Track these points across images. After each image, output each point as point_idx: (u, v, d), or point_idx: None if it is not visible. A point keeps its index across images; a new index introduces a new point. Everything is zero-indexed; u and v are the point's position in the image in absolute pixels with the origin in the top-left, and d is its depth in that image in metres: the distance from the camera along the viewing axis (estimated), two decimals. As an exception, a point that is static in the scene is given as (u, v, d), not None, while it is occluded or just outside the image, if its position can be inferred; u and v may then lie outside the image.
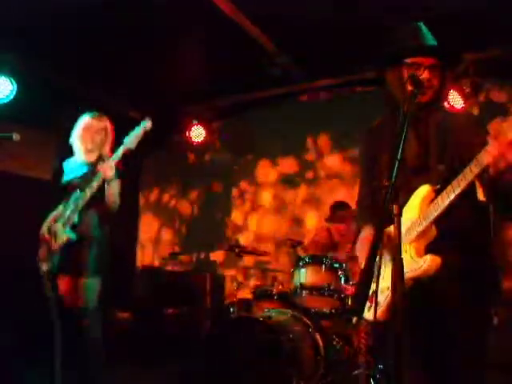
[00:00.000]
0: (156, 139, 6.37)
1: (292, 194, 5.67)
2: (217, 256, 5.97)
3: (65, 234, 3.09)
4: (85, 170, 3.26)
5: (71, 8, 3.76)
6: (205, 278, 5.54)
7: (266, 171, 5.89)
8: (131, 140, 3.04)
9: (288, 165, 5.74)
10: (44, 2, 3.70)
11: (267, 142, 5.83)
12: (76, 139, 3.32)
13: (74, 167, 3.35)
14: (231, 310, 4.15)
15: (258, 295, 4.14)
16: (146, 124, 3.10)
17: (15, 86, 4.46)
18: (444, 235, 1.80)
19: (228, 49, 4.53)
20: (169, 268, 5.77)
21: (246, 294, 4.50)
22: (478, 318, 1.83)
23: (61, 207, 3.26)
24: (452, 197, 1.70)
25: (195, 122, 5.72)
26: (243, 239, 5.69)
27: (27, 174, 5.62)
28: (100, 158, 3.23)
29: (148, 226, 6.77)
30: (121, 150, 3.04)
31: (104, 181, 3.01)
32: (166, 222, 6.62)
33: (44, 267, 3.18)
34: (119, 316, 5.43)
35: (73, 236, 3.07)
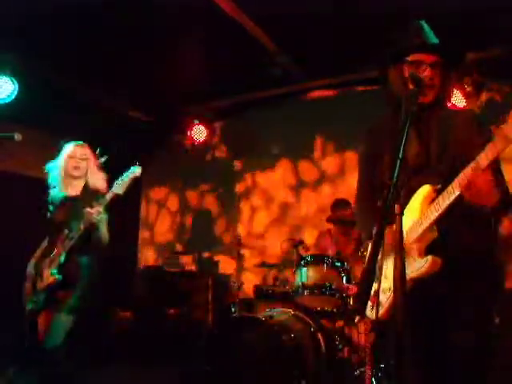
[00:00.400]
0: (157, 139, 6.40)
1: (293, 193, 5.67)
2: (218, 256, 5.97)
3: (51, 276, 3.08)
4: (69, 204, 3.23)
5: (71, 8, 3.76)
6: (206, 278, 5.54)
7: (267, 171, 5.89)
8: (120, 185, 2.99)
9: (288, 165, 5.73)
10: (44, 1, 3.70)
11: (268, 141, 5.83)
12: (60, 169, 3.30)
13: (58, 202, 3.32)
14: (233, 309, 4.15)
15: (260, 295, 4.15)
16: (136, 171, 3.03)
17: (16, 86, 4.46)
18: (445, 235, 1.80)
19: (228, 49, 4.53)
20: (170, 268, 5.77)
21: (247, 293, 4.51)
22: (479, 318, 1.83)
23: (46, 242, 3.28)
24: (453, 197, 1.70)
25: (196, 121, 5.72)
26: (245, 239, 5.68)
27: (27, 174, 5.61)
28: (85, 190, 3.22)
29: (149, 226, 6.77)
30: (109, 196, 3.00)
31: (90, 225, 3.00)
32: (167, 221, 6.62)
33: (27, 306, 3.20)
34: (120, 315, 5.43)
35: (59, 277, 3.05)
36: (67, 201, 3.27)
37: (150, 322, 5.32)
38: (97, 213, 2.97)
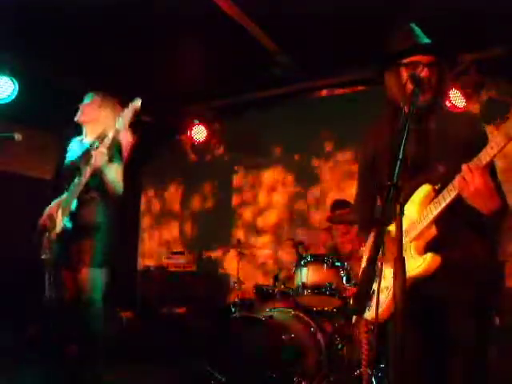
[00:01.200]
0: (157, 139, 6.40)
1: (293, 193, 5.67)
2: (219, 255, 5.98)
3: (62, 224, 2.96)
4: (83, 150, 3.14)
5: (71, 8, 3.76)
6: (206, 278, 5.55)
7: (267, 171, 5.89)
8: (121, 121, 2.91)
9: (288, 165, 5.74)
10: (44, 1, 3.70)
11: (268, 141, 5.83)
12: (79, 115, 3.25)
13: (75, 147, 3.26)
14: (233, 309, 4.15)
15: (260, 295, 4.15)
16: (135, 103, 2.96)
17: (16, 86, 4.46)
18: (444, 234, 1.80)
19: (228, 49, 4.53)
20: (171, 267, 5.77)
21: (247, 293, 4.51)
22: (479, 318, 1.83)
23: (63, 195, 3.15)
24: (452, 195, 1.71)
25: (196, 121, 5.72)
26: (245, 238, 5.69)
27: (28, 174, 5.62)
28: (99, 137, 3.08)
29: (150, 226, 6.77)
30: (112, 134, 2.91)
31: (96, 168, 2.90)
32: (167, 221, 6.62)
33: (44, 256, 3.07)
34: (121, 315, 5.43)
35: (68, 225, 2.93)
36: (83, 146, 3.19)
37: (150, 322, 5.32)
38: (100, 154, 2.87)
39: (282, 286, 4.12)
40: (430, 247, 1.81)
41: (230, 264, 5.73)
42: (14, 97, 4.49)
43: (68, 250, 2.97)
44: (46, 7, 3.75)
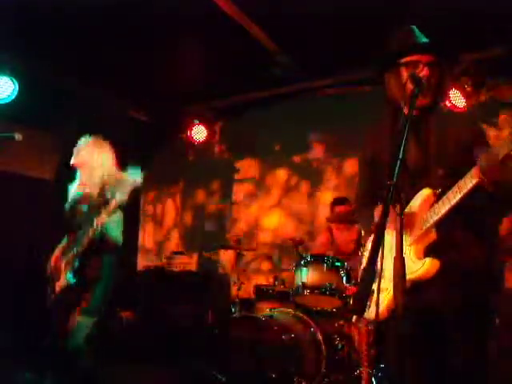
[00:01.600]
0: (157, 139, 6.40)
1: (293, 193, 5.67)
2: (219, 255, 5.97)
3: (66, 279, 3.12)
4: (82, 205, 3.25)
5: (71, 8, 3.76)
6: (207, 278, 5.54)
7: (267, 171, 5.89)
8: (123, 194, 3.01)
9: (288, 164, 5.74)
10: (44, 1, 3.70)
11: (268, 141, 5.83)
12: (72, 159, 3.31)
13: (74, 200, 3.33)
14: (233, 309, 4.15)
15: (260, 295, 4.15)
16: (136, 180, 3.10)
17: (16, 86, 4.46)
18: (444, 238, 1.80)
19: (228, 49, 4.53)
20: (170, 268, 5.77)
21: (247, 293, 4.51)
22: (478, 319, 1.83)
23: (65, 241, 3.30)
24: (452, 203, 1.71)
25: (196, 121, 5.72)
26: (245, 238, 5.68)
27: (28, 174, 5.62)
28: (100, 189, 3.19)
29: (150, 226, 6.77)
30: (112, 204, 3.01)
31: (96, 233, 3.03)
32: (167, 221, 6.62)
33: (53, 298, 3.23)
34: (121, 315, 5.43)
35: (72, 281, 3.09)
36: (81, 201, 3.27)
37: (150, 322, 5.31)
38: (101, 223, 3.00)
39: (282, 286, 4.12)
40: (429, 251, 1.81)
41: (230, 264, 5.72)
42: (13, 97, 4.49)
43: (67, 300, 3.12)
44: (46, 7, 3.74)
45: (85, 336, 3.06)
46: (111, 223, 3.12)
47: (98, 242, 3.10)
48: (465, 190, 1.68)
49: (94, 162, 3.24)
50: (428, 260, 1.77)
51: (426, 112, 1.97)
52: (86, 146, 3.29)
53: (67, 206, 3.35)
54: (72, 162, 3.30)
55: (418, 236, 1.83)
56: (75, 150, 3.31)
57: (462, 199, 1.69)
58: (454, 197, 1.71)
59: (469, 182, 1.67)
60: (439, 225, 1.79)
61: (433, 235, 1.81)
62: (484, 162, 1.61)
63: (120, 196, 3.00)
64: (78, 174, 3.32)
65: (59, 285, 3.17)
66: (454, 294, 1.80)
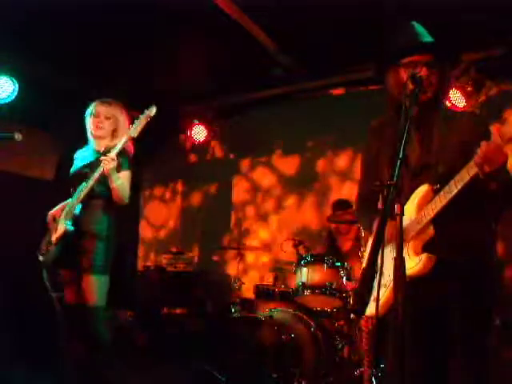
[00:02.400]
0: (157, 139, 6.39)
1: (293, 193, 5.67)
2: (218, 255, 5.97)
3: (63, 226, 2.97)
4: (92, 158, 3.16)
5: (71, 8, 3.76)
6: (207, 278, 5.54)
7: (267, 171, 5.89)
8: (135, 128, 2.95)
9: (289, 164, 5.74)
10: (44, 1, 3.70)
11: (268, 141, 5.83)
12: (87, 126, 3.23)
13: (83, 156, 3.27)
14: (233, 309, 4.15)
15: (260, 294, 4.15)
16: (151, 110, 3.01)
17: (16, 86, 4.46)
18: (442, 234, 1.80)
19: (228, 48, 4.53)
20: (170, 268, 5.77)
21: (247, 293, 4.51)
22: (478, 318, 1.83)
23: (70, 198, 3.15)
24: (449, 197, 1.72)
25: (196, 121, 5.72)
26: (245, 238, 5.69)
27: (28, 174, 5.62)
28: (106, 148, 3.10)
29: (149, 226, 6.77)
30: (124, 140, 2.95)
31: (104, 173, 2.91)
32: (167, 221, 6.62)
33: (41, 258, 3.10)
34: (120, 315, 5.43)
35: (70, 228, 2.95)
36: (91, 155, 3.20)
37: (150, 322, 5.32)
38: (110, 159, 2.88)
39: (282, 286, 4.12)
40: (427, 247, 1.82)
41: (230, 264, 5.73)
42: (13, 97, 4.49)
43: (68, 253, 2.99)
44: (46, 7, 3.74)
45: (105, 295, 2.97)
46: (119, 174, 2.99)
47: (102, 191, 3.00)
48: (462, 183, 1.68)
49: (115, 130, 3.20)
50: (425, 256, 1.78)
51: (428, 109, 1.97)
52: (106, 115, 3.20)
53: (74, 168, 3.25)
54: (95, 133, 3.18)
55: (415, 232, 1.83)
56: (93, 119, 3.18)
57: (459, 193, 1.69)
58: (450, 191, 1.71)
59: (466, 175, 1.67)
60: (437, 220, 1.79)
61: (430, 231, 1.82)
62: (483, 150, 1.61)
63: (132, 131, 2.92)
64: (92, 140, 3.23)
65: (56, 235, 3.01)
66: (454, 291, 1.81)
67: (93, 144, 3.24)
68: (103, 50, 4.52)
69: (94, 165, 3.05)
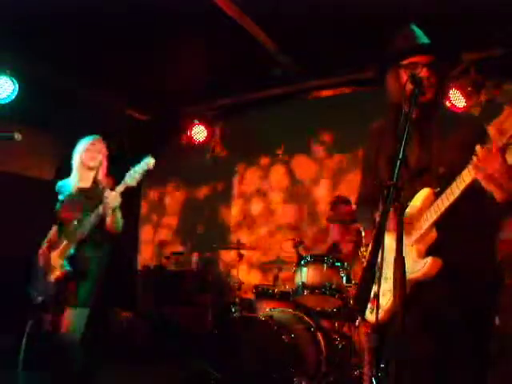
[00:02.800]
0: (157, 139, 6.40)
1: (293, 193, 5.67)
2: (219, 255, 5.97)
3: (61, 268, 3.08)
4: (78, 197, 3.26)
5: (71, 8, 3.76)
6: (206, 278, 5.54)
7: (267, 171, 5.89)
8: (133, 177, 3.02)
9: (289, 164, 5.74)
10: (44, 2, 3.70)
11: (268, 141, 5.83)
12: (77, 159, 3.33)
13: (68, 193, 3.35)
14: (233, 309, 4.15)
15: (260, 294, 4.15)
16: (149, 162, 3.08)
17: (16, 86, 4.46)
18: (445, 237, 1.80)
19: (228, 48, 4.53)
20: (170, 267, 5.77)
21: (247, 293, 4.51)
22: (479, 318, 1.83)
23: (53, 231, 3.30)
24: (451, 199, 1.71)
25: (196, 121, 5.72)
26: (245, 238, 5.68)
27: (27, 174, 5.62)
28: (95, 184, 3.26)
29: (149, 226, 6.77)
30: (122, 186, 3.03)
31: (105, 210, 3.02)
32: (167, 221, 6.62)
33: (40, 298, 3.17)
34: (120, 315, 5.43)
35: (70, 270, 3.06)
36: (78, 192, 3.29)
37: (150, 322, 5.32)
38: (115, 197, 2.99)
39: (282, 286, 4.12)
40: (431, 250, 1.81)
41: (230, 264, 5.73)
42: (13, 97, 4.49)
43: (61, 291, 3.09)
44: (46, 7, 3.74)
45: (82, 328, 3.04)
46: (118, 210, 3.12)
47: (97, 229, 3.08)
48: (464, 185, 1.67)
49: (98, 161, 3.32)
50: (430, 259, 1.77)
51: (428, 110, 1.97)
52: (98, 148, 3.34)
53: (60, 198, 3.35)
54: (91, 164, 3.30)
55: (419, 235, 1.83)
56: (87, 150, 3.32)
57: (460, 195, 1.68)
58: (453, 193, 1.70)
59: (468, 176, 1.66)
60: (440, 224, 1.78)
61: (433, 234, 1.81)
62: (481, 153, 1.59)
63: (129, 181, 3.00)
64: (77, 169, 3.33)
65: (53, 275, 3.11)
66: (455, 293, 1.80)
67: (78, 179, 3.32)
68: (103, 50, 4.52)
69: (84, 205, 3.16)
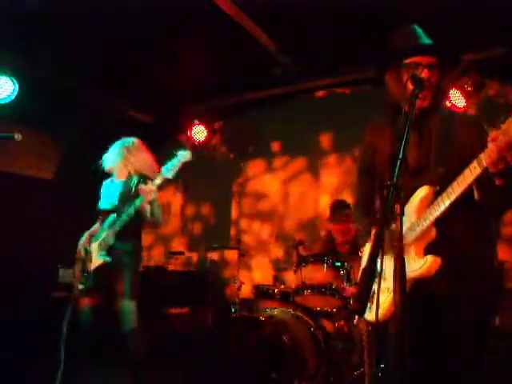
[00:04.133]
0: (157, 139, 6.39)
1: (293, 193, 5.67)
2: (218, 255, 5.97)
3: (101, 257, 3.18)
4: (119, 190, 3.37)
5: (71, 8, 3.76)
6: (206, 278, 5.54)
7: (267, 170, 5.89)
8: (170, 170, 3.10)
9: (288, 164, 5.74)
10: (44, 2, 3.70)
11: (268, 141, 5.83)
12: (119, 160, 3.43)
13: (110, 191, 3.46)
14: (233, 309, 4.15)
15: (260, 294, 4.14)
16: (185, 154, 3.17)
17: (16, 86, 4.46)
18: (444, 236, 1.80)
19: (228, 48, 4.53)
20: (171, 267, 5.77)
21: (247, 293, 4.51)
22: (479, 318, 1.83)
23: (96, 226, 3.40)
24: (452, 198, 1.70)
25: (196, 121, 5.72)
26: (245, 238, 5.69)
27: (27, 174, 5.62)
28: (129, 176, 3.35)
29: (149, 226, 6.75)
30: (160, 179, 3.11)
31: (143, 203, 3.10)
32: (168, 221, 6.62)
33: (79, 286, 3.27)
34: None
35: (109, 259, 3.16)
36: (117, 186, 3.40)
37: (150, 322, 5.31)
38: (151, 190, 3.07)
39: (282, 286, 4.12)
40: (430, 249, 1.81)
41: (230, 264, 5.73)
42: (13, 97, 4.50)
43: (102, 281, 3.21)
44: (46, 7, 3.74)
45: (133, 319, 3.15)
46: (155, 201, 3.20)
47: (136, 218, 3.17)
48: (465, 184, 1.66)
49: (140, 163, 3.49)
50: (429, 258, 1.77)
51: (427, 110, 1.97)
52: (135, 152, 3.53)
53: (105, 201, 3.46)
54: (134, 169, 3.42)
55: (418, 234, 1.83)
56: (127, 156, 3.47)
57: (462, 194, 1.68)
58: (454, 191, 1.70)
59: (470, 175, 1.64)
60: (439, 222, 1.79)
61: (433, 233, 1.82)
62: (493, 149, 1.57)
63: (167, 173, 3.08)
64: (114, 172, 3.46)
65: (92, 265, 3.24)
66: (454, 291, 1.81)
67: (118, 175, 3.46)
68: (103, 50, 4.52)
69: (123, 198, 3.27)
